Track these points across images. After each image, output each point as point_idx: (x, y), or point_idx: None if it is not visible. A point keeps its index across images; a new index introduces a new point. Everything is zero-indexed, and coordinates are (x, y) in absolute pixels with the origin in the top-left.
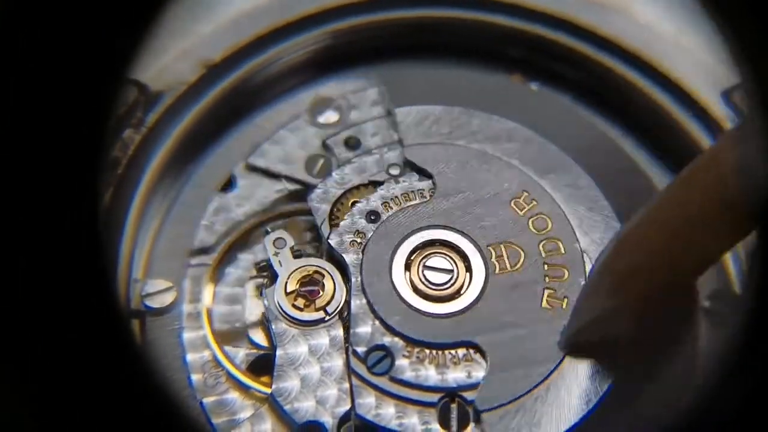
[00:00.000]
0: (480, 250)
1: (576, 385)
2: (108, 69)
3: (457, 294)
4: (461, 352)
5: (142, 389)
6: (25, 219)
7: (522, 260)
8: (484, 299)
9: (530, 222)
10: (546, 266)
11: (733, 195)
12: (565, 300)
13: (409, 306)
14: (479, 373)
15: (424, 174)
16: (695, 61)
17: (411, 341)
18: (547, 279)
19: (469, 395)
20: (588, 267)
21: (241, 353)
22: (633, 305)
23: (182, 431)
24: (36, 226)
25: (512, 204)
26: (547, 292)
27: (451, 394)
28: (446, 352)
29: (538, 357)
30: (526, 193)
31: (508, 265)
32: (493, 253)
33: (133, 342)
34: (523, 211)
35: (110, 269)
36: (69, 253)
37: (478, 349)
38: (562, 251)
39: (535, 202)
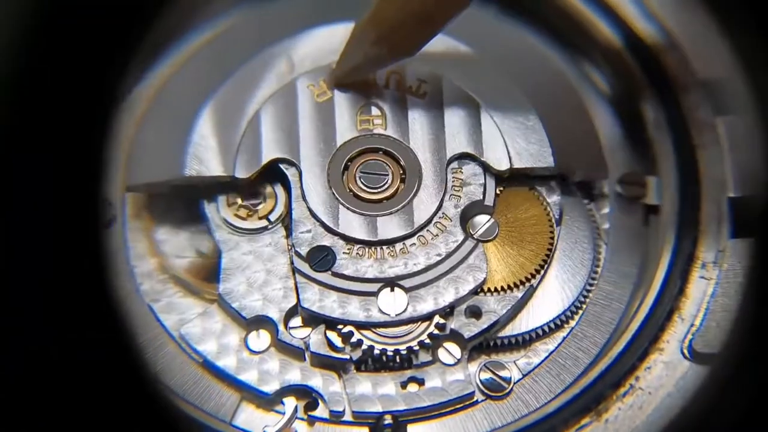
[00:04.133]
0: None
1: None
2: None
3: (392, 196)
4: (398, 246)
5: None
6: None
7: None
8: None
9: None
10: None
11: None
12: None
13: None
14: (416, 264)
15: None
16: None
17: (350, 240)
18: None
19: (406, 283)
20: None
21: (187, 261)
22: (394, 53)
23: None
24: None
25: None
26: None
27: (390, 282)
28: (384, 247)
29: None
30: None
31: None
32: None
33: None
34: None
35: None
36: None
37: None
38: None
39: None
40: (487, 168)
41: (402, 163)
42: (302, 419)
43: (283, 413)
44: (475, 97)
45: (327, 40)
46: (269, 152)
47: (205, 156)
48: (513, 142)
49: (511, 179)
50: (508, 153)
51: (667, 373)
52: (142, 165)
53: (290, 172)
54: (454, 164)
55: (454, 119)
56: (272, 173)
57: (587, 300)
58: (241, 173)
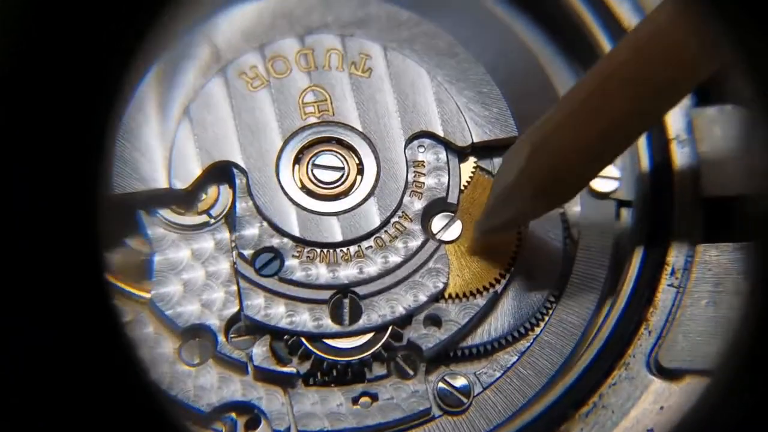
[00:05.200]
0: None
1: None
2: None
3: (347, 192)
4: (353, 248)
5: None
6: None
7: None
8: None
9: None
10: None
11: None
12: None
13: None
14: (371, 268)
15: None
16: None
17: (300, 241)
18: None
19: (360, 289)
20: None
21: (117, 258)
22: (555, 203)
23: None
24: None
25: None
26: None
27: (344, 290)
28: (337, 249)
29: None
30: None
31: None
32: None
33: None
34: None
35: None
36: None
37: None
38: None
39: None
40: (448, 145)
41: (358, 152)
42: None
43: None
44: (424, 68)
45: (253, 20)
46: (207, 156)
47: (135, 168)
48: (471, 113)
49: (475, 154)
50: (468, 126)
51: (631, 390)
52: None
53: (235, 171)
54: (418, 156)
55: (406, 95)
56: (215, 174)
57: (554, 306)
58: (179, 183)
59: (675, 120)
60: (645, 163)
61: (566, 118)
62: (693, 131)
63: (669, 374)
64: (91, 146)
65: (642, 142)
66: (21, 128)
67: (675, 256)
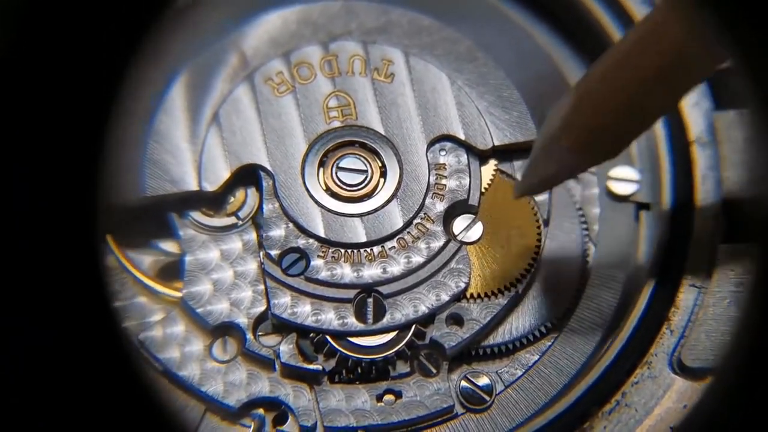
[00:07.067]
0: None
1: None
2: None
3: (371, 194)
4: (376, 249)
5: None
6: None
7: None
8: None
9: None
10: None
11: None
12: None
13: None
14: (395, 268)
15: None
16: None
17: (326, 242)
18: None
19: (384, 289)
20: None
21: (148, 259)
22: (594, 160)
23: None
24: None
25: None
26: None
27: (368, 289)
28: (361, 250)
29: None
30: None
31: None
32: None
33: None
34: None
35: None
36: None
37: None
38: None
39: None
40: (469, 148)
41: (381, 155)
42: None
43: (249, 427)
44: (445, 73)
45: (279, 28)
46: (235, 159)
47: (165, 171)
48: (492, 116)
49: (495, 157)
50: (488, 129)
51: (654, 389)
52: None
53: (261, 174)
54: (440, 159)
55: (427, 99)
56: (242, 177)
57: (574, 305)
58: (208, 186)
59: (696, 123)
60: (665, 165)
61: (610, 69)
62: (714, 133)
63: (692, 373)
64: (91, 146)
65: (662, 144)
66: (21, 128)
67: (696, 257)
